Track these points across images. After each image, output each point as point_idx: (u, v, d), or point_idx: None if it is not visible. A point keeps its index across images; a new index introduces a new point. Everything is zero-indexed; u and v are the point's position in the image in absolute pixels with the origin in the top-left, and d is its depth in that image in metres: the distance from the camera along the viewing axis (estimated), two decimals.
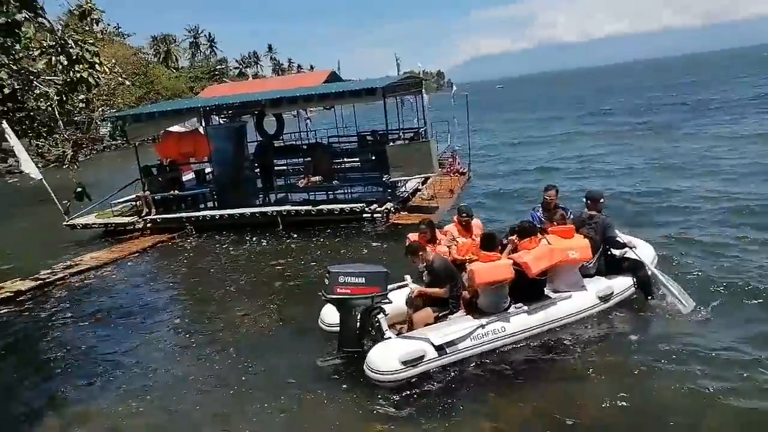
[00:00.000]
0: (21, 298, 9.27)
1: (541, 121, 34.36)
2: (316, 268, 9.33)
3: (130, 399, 5.64)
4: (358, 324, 5.65)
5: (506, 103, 60.91)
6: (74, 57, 6.89)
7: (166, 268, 10.79)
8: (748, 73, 58.33)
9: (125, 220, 13.62)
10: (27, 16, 6.74)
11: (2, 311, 8.80)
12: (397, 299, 6.14)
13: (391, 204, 11.95)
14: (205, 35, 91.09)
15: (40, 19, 7.01)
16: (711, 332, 5.85)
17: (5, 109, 8.29)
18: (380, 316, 5.60)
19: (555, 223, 6.44)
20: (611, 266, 6.70)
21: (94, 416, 5.46)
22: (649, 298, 6.57)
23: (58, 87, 7.54)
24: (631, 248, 6.70)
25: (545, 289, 6.22)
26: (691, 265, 7.65)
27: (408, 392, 5.18)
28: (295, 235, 11.78)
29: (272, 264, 10.00)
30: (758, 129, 20.36)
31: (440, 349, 5.42)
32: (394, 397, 5.14)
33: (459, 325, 5.64)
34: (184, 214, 13.25)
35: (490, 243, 5.97)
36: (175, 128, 15.87)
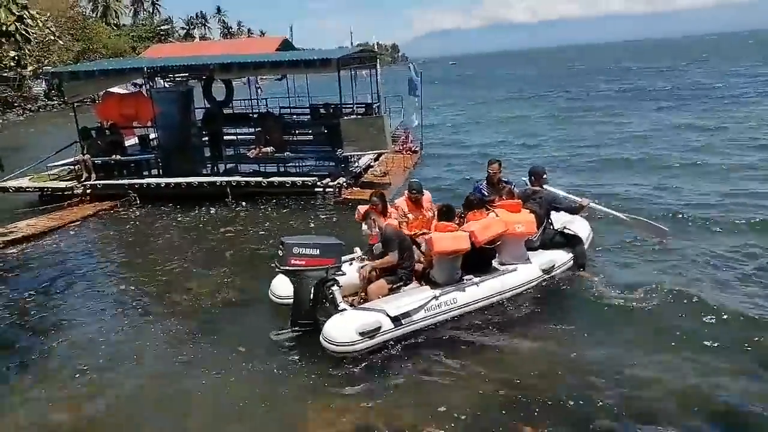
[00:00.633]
0: None
1: (495, 101, 34.78)
2: (266, 239, 9.27)
3: (73, 376, 5.44)
4: (312, 296, 5.64)
5: (458, 82, 61.24)
6: None
7: (111, 238, 10.39)
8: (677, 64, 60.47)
9: (63, 184, 12.91)
10: None
11: None
12: (349, 271, 6.19)
13: (344, 179, 11.92)
14: None
15: None
16: (639, 298, 6.27)
17: None
18: (334, 288, 5.62)
19: (503, 197, 6.69)
20: (553, 240, 7.05)
21: (33, 396, 5.18)
22: (583, 269, 6.98)
23: None
24: (585, 206, 7.01)
25: (493, 261, 6.45)
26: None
27: (364, 364, 5.25)
28: (245, 204, 11.63)
29: (221, 234, 9.85)
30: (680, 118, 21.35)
31: (396, 320, 5.53)
32: (351, 368, 5.21)
33: (413, 297, 5.77)
34: (127, 181, 12.72)
35: (448, 214, 6.16)
36: (117, 89, 15.13)
